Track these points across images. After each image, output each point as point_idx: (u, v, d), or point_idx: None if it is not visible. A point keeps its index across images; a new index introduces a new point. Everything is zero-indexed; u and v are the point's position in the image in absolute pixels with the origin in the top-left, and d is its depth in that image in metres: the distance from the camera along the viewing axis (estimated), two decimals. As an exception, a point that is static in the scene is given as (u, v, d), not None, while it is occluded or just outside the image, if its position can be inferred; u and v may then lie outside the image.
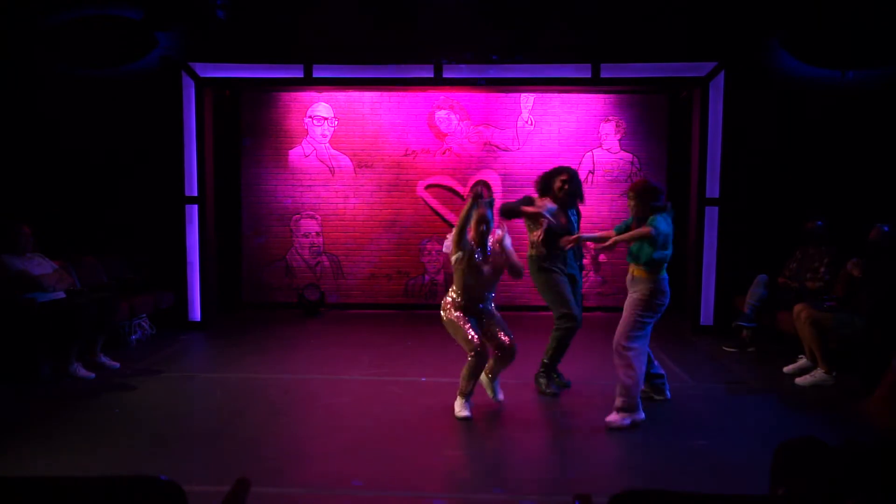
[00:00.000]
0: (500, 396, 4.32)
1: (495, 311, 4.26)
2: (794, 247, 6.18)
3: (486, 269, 4.09)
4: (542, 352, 4.70)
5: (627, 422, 3.94)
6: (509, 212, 4.62)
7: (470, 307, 4.15)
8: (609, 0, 6.60)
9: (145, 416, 4.16)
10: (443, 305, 4.22)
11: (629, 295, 4.06)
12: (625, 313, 4.02)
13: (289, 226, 8.19)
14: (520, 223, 4.94)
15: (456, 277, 4.16)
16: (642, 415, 4.00)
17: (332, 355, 5.79)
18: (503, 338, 4.13)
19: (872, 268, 5.07)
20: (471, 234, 4.10)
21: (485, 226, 4.08)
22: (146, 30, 6.70)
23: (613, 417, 3.96)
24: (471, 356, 4.02)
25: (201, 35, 6.78)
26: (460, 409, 4.09)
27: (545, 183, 4.71)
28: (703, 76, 6.62)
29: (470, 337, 4.01)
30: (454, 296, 4.17)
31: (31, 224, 5.20)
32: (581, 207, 4.85)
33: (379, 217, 8.12)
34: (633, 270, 4.03)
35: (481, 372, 4.12)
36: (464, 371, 4.09)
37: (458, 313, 4.11)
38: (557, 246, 4.44)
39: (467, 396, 4.12)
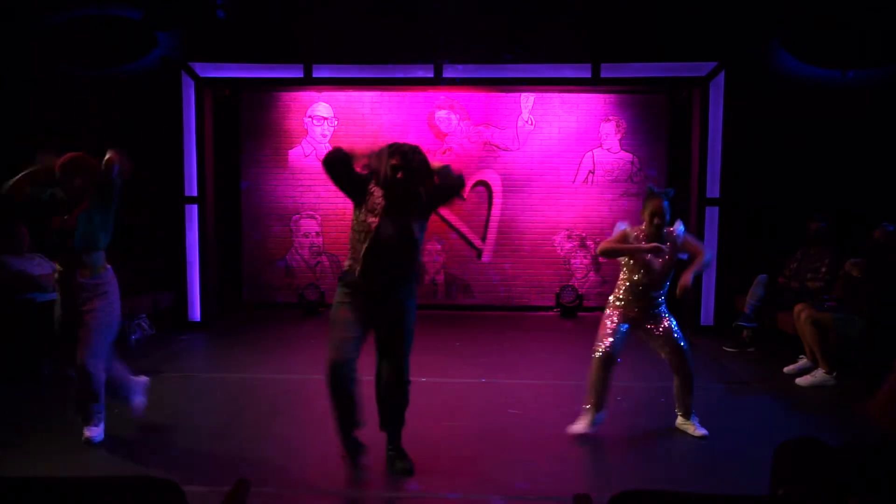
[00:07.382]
0: (700, 431, 3.80)
1: (667, 321, 3.83)
2: (794, 247, 6.18)
3: (656, 264, 3.75)
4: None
5: None
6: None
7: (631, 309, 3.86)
8: (609, 0, 6.60)
9: (145, 416, 4.15)
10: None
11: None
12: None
13: (289, 226, 8.19)
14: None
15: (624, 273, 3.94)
16: None
17: (332, 355, 5.77)
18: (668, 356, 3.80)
19: (873, 268, 5.07)
20: (644, 229, 3.72)
21: (658, 218, 3.65)
22: (146, 30, 6.70)
23: None
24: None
25: (201, 35, 6.79)
26: (578, 424, 3.82)
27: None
28: (703, 76, 6.62)
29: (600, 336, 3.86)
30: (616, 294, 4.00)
31: (30, 224, 5.19)
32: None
33: (379, 217, 8.10)
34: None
35: (601, 381, 3.78)
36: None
37: (608, 310, 3.98)
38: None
39: (593, 409, 3.80)
